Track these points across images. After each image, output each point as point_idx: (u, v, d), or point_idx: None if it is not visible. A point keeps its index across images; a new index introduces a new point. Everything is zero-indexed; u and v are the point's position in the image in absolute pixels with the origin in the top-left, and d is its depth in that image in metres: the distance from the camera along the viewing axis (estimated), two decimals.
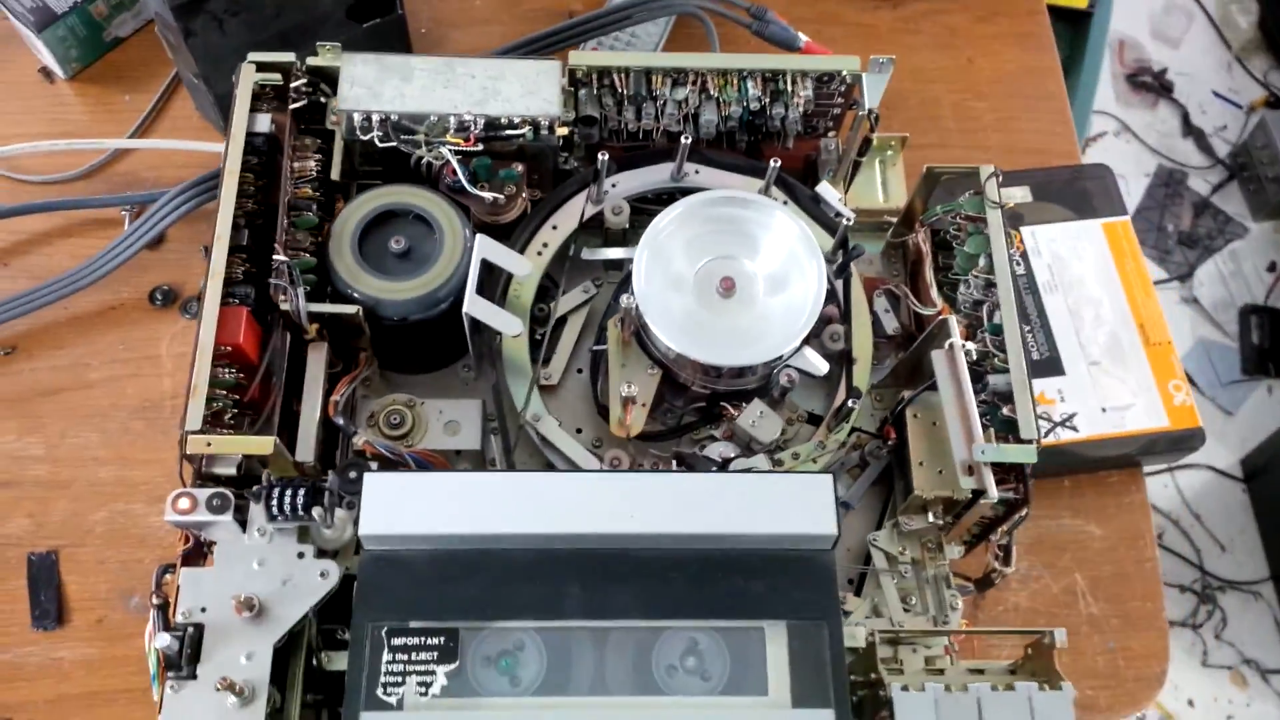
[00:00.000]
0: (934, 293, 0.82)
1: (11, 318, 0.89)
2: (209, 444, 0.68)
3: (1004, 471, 0.73)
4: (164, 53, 1.01)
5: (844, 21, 1.10)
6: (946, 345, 0.75)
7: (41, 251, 0.95)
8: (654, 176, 0.85)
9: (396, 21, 0.97)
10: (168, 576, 0.68)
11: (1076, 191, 0.99)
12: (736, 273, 0.78)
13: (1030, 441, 0.72)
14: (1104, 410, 0.90)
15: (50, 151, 0.96)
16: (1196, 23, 2.32)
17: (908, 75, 1.07)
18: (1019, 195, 0.83)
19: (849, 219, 0.80)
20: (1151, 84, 2.24)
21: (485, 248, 0.76)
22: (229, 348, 0.71)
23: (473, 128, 0.78)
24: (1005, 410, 0.73)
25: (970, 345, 0.75)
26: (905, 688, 0.65)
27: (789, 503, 0.67)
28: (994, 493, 0.70)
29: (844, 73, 0.83)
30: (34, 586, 0.83)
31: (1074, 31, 1.60)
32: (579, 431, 0.82)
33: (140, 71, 1.02)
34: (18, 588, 0.83)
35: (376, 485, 0.66)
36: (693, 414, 0.82)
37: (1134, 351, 0.92)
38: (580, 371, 0.84)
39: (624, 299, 0.75)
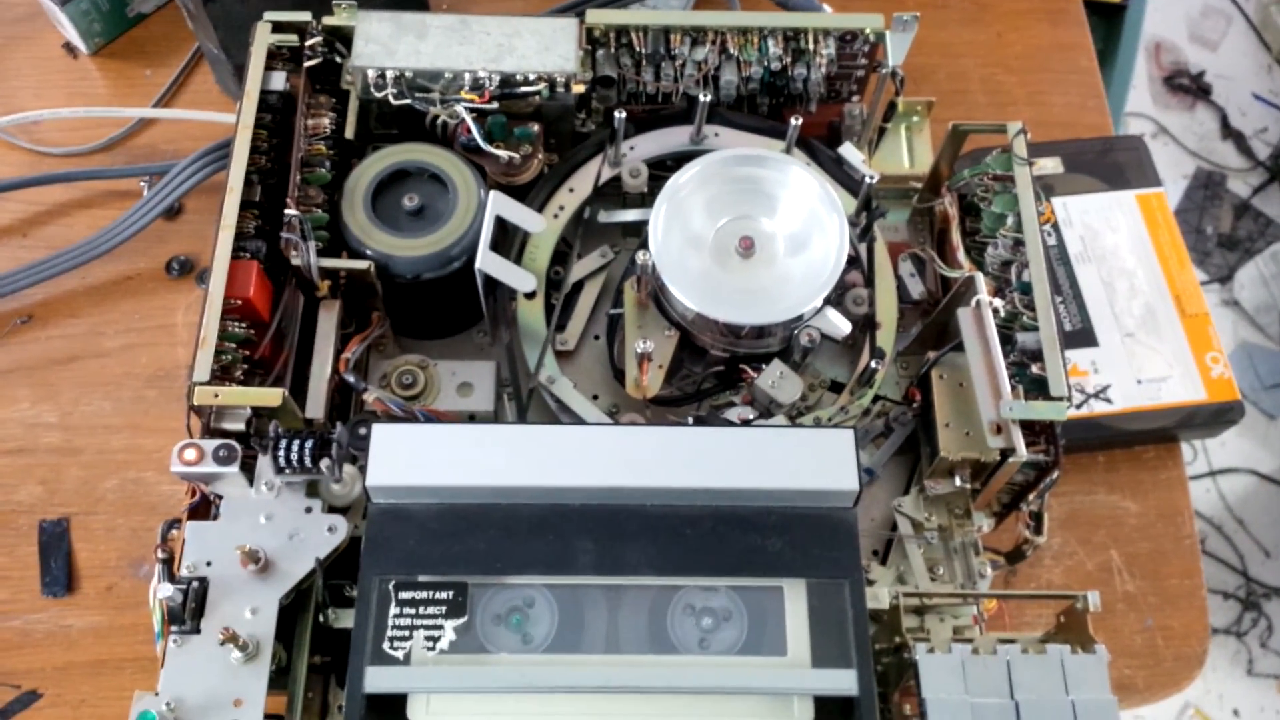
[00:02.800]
0: (961, 255, 0.80)
1: (28, 286, 0.89)
2: (216, 395, 0.66)
3: (1033, 434, 0.70)
4: (186, 28, 1.01)
5: None
6: (973, 303, 0.73)
7: (60, 222, 0.94)
8: (673, 139, 0.83)
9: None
10: (173, 532, 0.67)
11: (1109, 163, 0.97)
12: (756, 232, 0.76)
13: (1061, 399, 0.69)
14: (1139, 382, 0.87)
15: (71, 121, 0.96)
16: (1235, 25, 2.29)
17: (935, 49, 1.05)
18: (1050, 165, 0.81)
19: (872, 179, 0.78)
20: (1189, 86, 2.20)
21: (499, 204, 0.74)
22: (239, 301, 0.70)
23: (488, 84, 0.77)
24: (1034, 369, 0.71)
25: (998, 302, 0.73)
26: (931, 650, 0.63)
27: (809, 457, 0.65)
28: (1023, 451, 0.68)
29: (867, 30, 0.81)
30: (44, 553, 0.82)
31: (1108, 26, 1.58)
32: (595, 398, 0.80)
33: (162, 47, 1.02)
34: (28, 554, 0.82)
35: (385, 436, 0.64)
36: (711, 379, 0.80)
37: (1169, 323, 0.89)
38: (597, 338, 0.82)
39: (640, 256, 0.74)
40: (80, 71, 1.01)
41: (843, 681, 0.61)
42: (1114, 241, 0.93)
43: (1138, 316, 0.89)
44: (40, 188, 0.94)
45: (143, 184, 0.95)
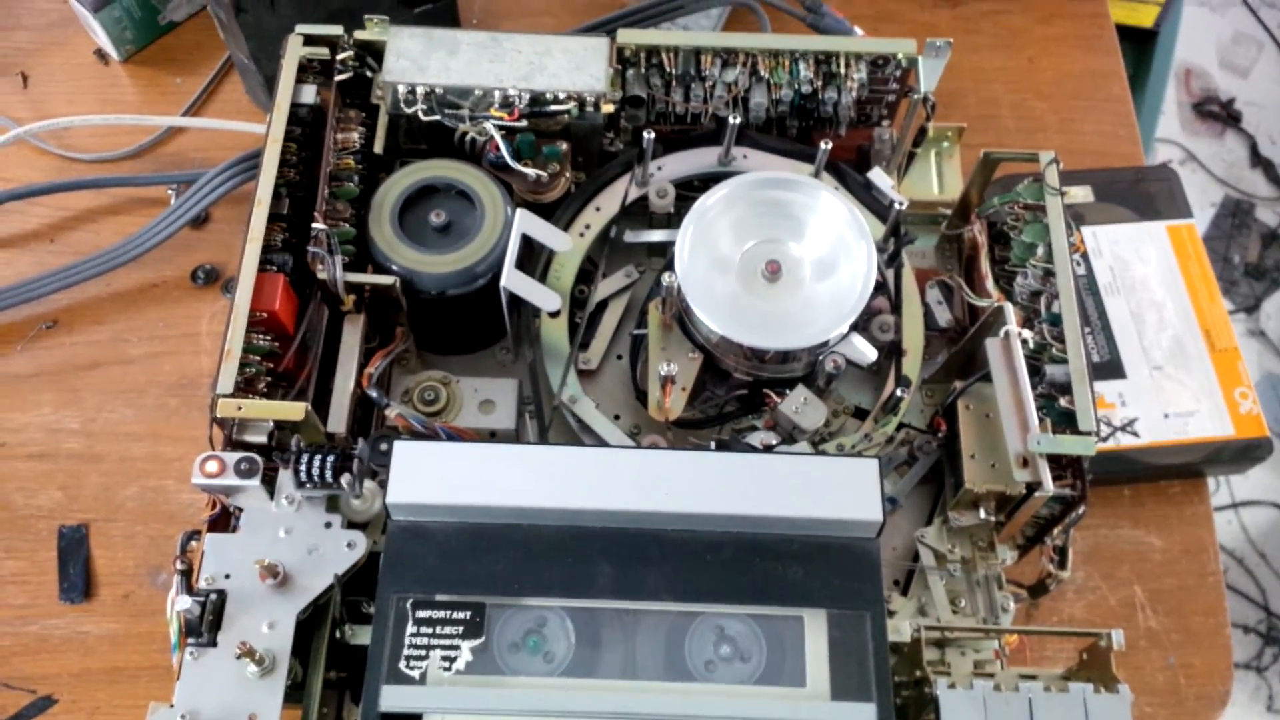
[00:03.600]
0: (990, 284, 0.79)
1: (53, 291, 0.89)
2: (239, 408, 0.66)
3: (1060, 468, 0.69)
4: (217, 37, 1.02)
5: (901, 19, 1.07)
6: (1002, 333, 0.72)
7: (88, 228, 0.95)
8: (701, 160, 0.83)
9: (448, 8, 0.97)
10: (192, 543, 0.67)
11: (1140, 193, 0.96)
12: (783, 256, 0.76)
13: (1089, 434, 0.68)
14: (1166, 416, 0.86)
15: (101, 128, 0.96)
16: (1266, 52, 2.27)
17: (966, 74, 1.04)
18: (1081, 195, 0.80)
19: (901, 204, 0.77)
20: (1219, 113, 2.19)
21: (526, 222, 0.74)
22: (264, 314, 0.70)
23: (517, 102, 0.77)
24: (1063, 402, 0.70)
25: (1027, 333, 0.72)
26: (952, 685, 0.62)
27: (832, 486, 0.64)
28: (1049, 485, 0.67)
29: (899, 56, 0.81)
30: (63, 559, 0.82)
31: (1138, 52, 1.57)
32: (616, 418, 0.79)
33: (193, 55, 1.03)
34: (47, 560, 0.82)
35: (406, 454, 0.64)
36: (734, 403, 0.79)
37: (1198, 357, 0.88)
38: (620, 358, 0.82)
39: (666, 278, 0.73)
40: (111, 78, 1.02)
41: (862, 716, 0.61)
42: (1143, 273, 0.92)
43: (1166, 349, 0.88)
44: (69, 193, 0.95)
45: (170, 192, 0.95)
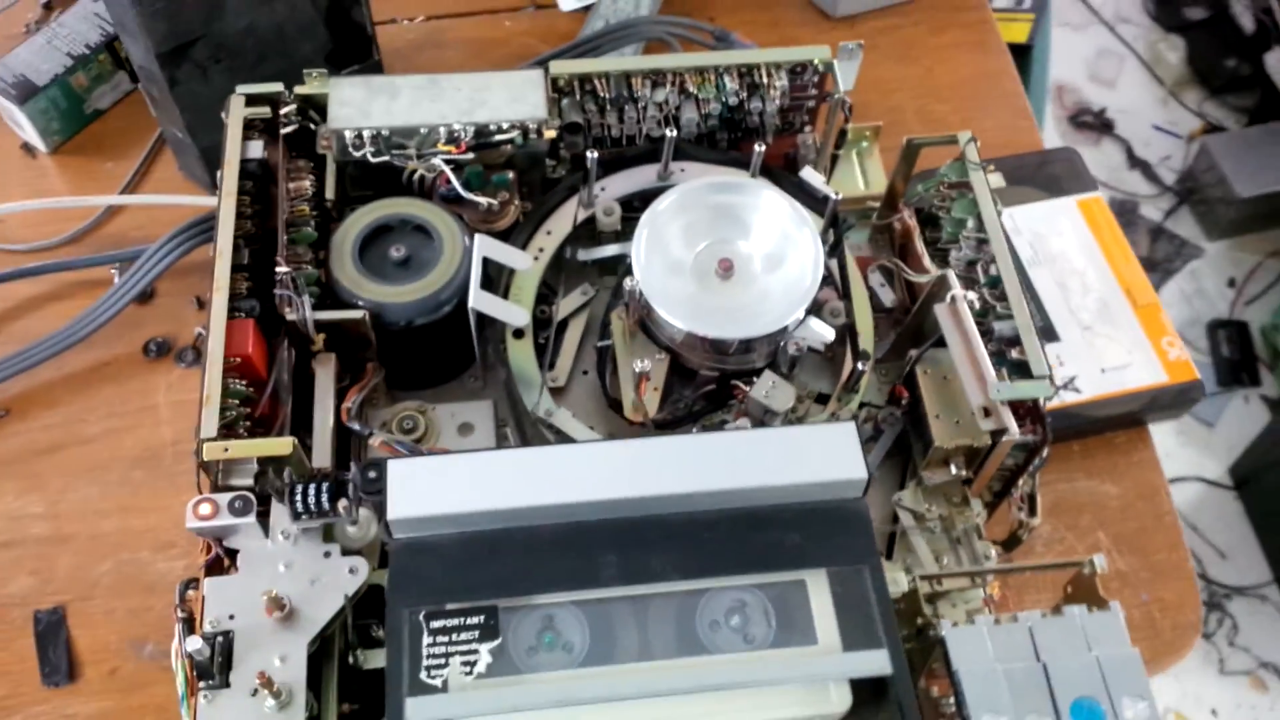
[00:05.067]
0: (927, 262, 0.83)
1: (2, 380, 0.88)
2: (226, 449, 0.67)
3: (1019, 418, 0.73)
4: (143, 121, 1.03)
5: (802, 42, 1.11)
6: (949, 297, 0.76)
7: (32, 316, 0.94)
8: (641, 178, 0.86)
9: (374, 67, 1.00)
10: (190, 592, 0.67)
11: (1046, 175, 1.02)
12: (733, 254, 0.79)
13: (1043, 377, 0.72)
14: (1103, 371, 0.91)
15: (34, 216, 0.96)
16: (1129, 63, 2.42)
17: (871, 86, 1.10)
18: (994, 181, 0.86)
19: (836, 196, 0.81)
20: (1093, 123, 2.32)
21: (485, 246, 0.76)
22: (238, 359, 0.71)
23: (463, 136, 0.80)
24: (1014, 354, 0.74)
25: (972, 295, 0.76)
26: (955, 624, 0.64)
27: (816, 452, 0.67)
28: (1014, 429, 0.71)
29: (815, 61, 0.86)
30: (42, 643, 0.80)
31: (1016, 66, 1.67)
32: (591, 429, 0.81)
33: (121, 140, 1.03)
34: (25, 647, 0.80)
35: (401, 470, 0.65)
36: (701, 402, 0.82)
37: (1124, 314, 0.94)
38: (585, 373, 0.84)
39: (627, 282, 0.76)
40: (39, 170, 1.02)
41: (876, 662, 0.63)
42: (1061, 245, 0.98)
43: (1093, 310, 0.94)
44: (7, 284, 0.94)
45: (113, 271, 0.95)
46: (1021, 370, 0.73)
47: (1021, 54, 1.67)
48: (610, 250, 0.84)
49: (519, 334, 0.80)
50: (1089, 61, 2.42)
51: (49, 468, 0.87)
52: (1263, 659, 1.76)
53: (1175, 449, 1.92)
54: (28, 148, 1.03)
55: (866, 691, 0.64)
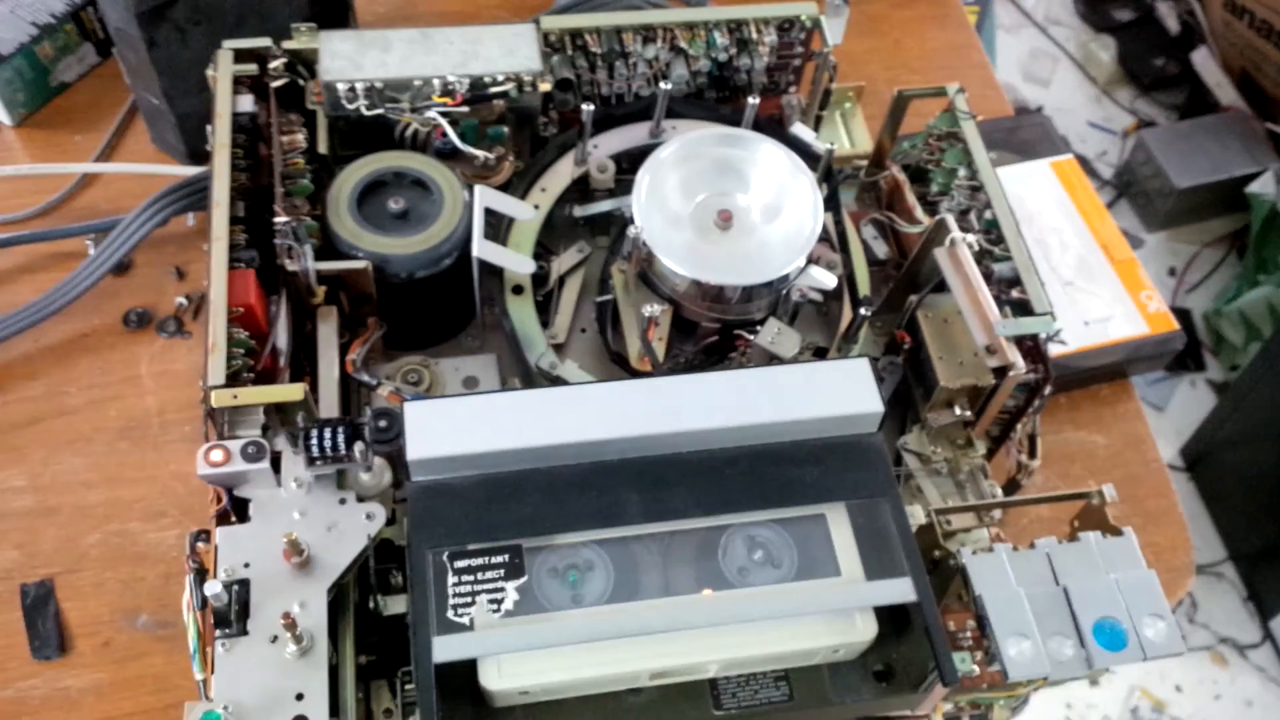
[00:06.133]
0: (919, 213, 0.85)
1: None
2: (235, 396, 0.65)
3: (1021, 354, 0.74)
4: (112, 95, 1.01)
5: None
6: (948, 241, 0.77)
7: (5, 289, 0.91)
8: (633, 135, 0.86)
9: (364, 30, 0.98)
10: (200, 544, 0.65)
11: (1019, 139, 1.04)
12: (732, 206, 0.80)
13: (1045, 313, 0.73)
14: (1086, 324, 0.93)
15: (6, 185, 0.94)
16: (1061, 64, 2.49)
17: (843, 59, 1.10)
18: None
19: (830, 147, 0.82)
20: None
21: (487, 196, 0.76)
22: (240, 309, 0.69)
23: (458, 88, 0.79)
24: (1014, 294, 0.75)
25: (970, 237, 0.77)
26: (975, 552, 0.65)
27: (831, 387, 0.68)
28: (1020, 363, 0.72)
29: (803, 17, 0.87)
30: (30, 616, 0.78)
31: None
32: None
33: (89, 113, 1.01)
34: (12, 621, 0.77)
35: (419, 411, 0.64)
36: (702, 356, 0.82)
37: (1102, 269, 0.96)
38: (584, 331, 0.84)
39: (630, 230, 0.76)
40: (4, 144, 0.99)
41: (900, 589, 0.63)
42: (1038, 205, 1.00)
43: (1073, 266, 0.96)
44: None
45: (88, 242, 0.92)
46: (1022, 309, 0.75)
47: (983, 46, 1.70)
48: (606, 205, 0.84)
49: (518, 290, 0.80)
50: (1023, 62, 2.48)
51: (29, 440, 0.84)
52: (1221, 634, 1.80)
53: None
54: None
55: (891, 620, 0.64)
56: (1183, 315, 2.12)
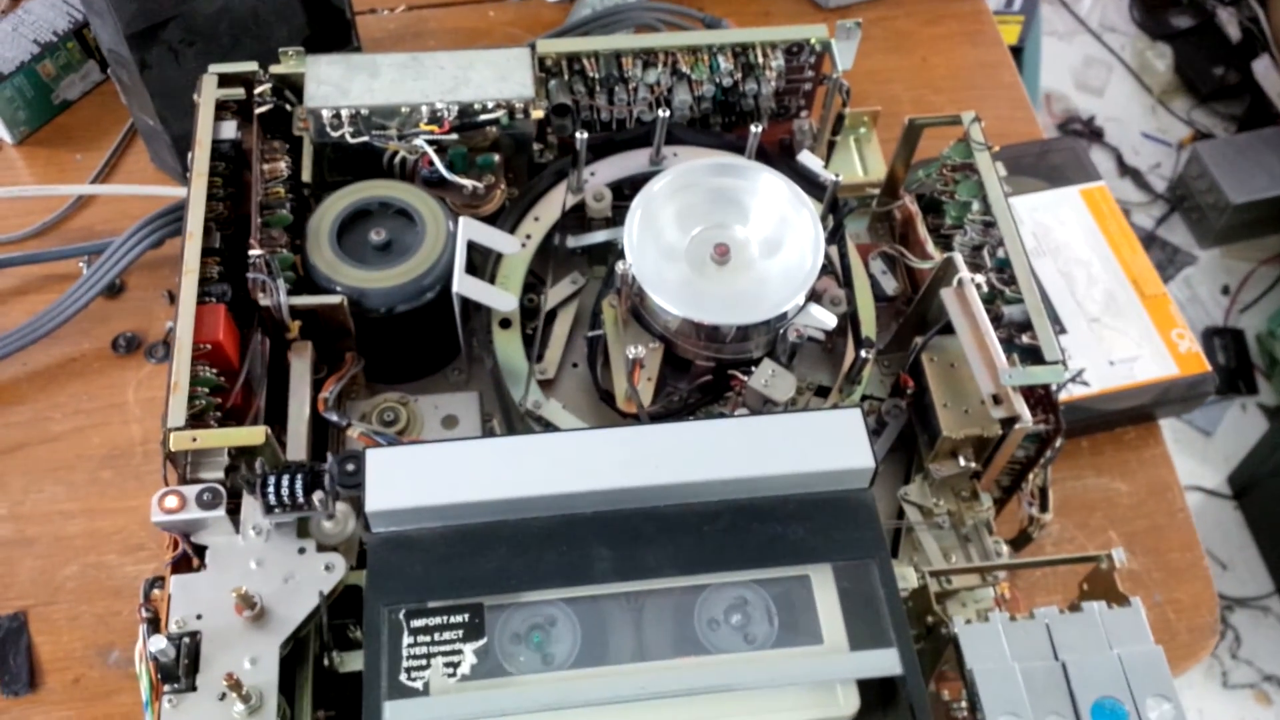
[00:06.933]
0: (930, 247, 0.80)
1: None
2: (194, 439, 0.63)
3: (1030, 405, 0.70)
4: (113, 113, 1.00)
5: None
6: (955, 281, 0.73)
7: None
8: (632, 163, 0.83)
9: (353, 54, 0.96)
10: (155, 591, 0.63)
11: (1048, 164, 0.99)
12: (729, 239, 0.76)
13: (1056, 362, 0.69)
14: (1112, 364, 0.88)
15: (3, 205, 0.92)
16: (1116, 72, 2.41)
17: (865, 77, 1.07)
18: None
19: (836, 178, 0.78)
20: (1083, 131, 2.30)
21: (470, 229, 0.73)
22: (208, 346, 0.67)
23: (446, 115, 0.76)
24: (1024, 339, 0.71)
25: (980, 278, 0.73)
26: (969, 621, 0.61)
27: (819, 439, 0.64)
28: (1027, 416, 0.67)
29: (813, 41, 0.83)
30: (1, 650, 0.76)
31: None
32: (581, 423, 0.77)
33: (91, 131, 1.00)
34: None
35: (380, 460, 0.61)
36: (696, 394, 0.78)
37: (1131, 305, 0.91)
38: (575, 366, 0.81)
39: (619, 266, 0.73)
40: (5, 162, 0.98)
41: (885, 661, 0.59)
42: (1065, 235, 0.95)
43: (1100, 302, 0.91)
44: None
45: (82, 264, 0.91)
46: (1033, 356, 0.70)
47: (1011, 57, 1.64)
48: (601, 236, 0.81)
49: (505, 324, 0.77)
50: (1076, 70, 2.40)
51: (11, 467, 0.83)
52: (1266, 672, 1.72)
53: (1173, 458, 1.89)
54: None
55: (875, 693, 0.61)
56: (1235, 336, 2.04)
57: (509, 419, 0.74)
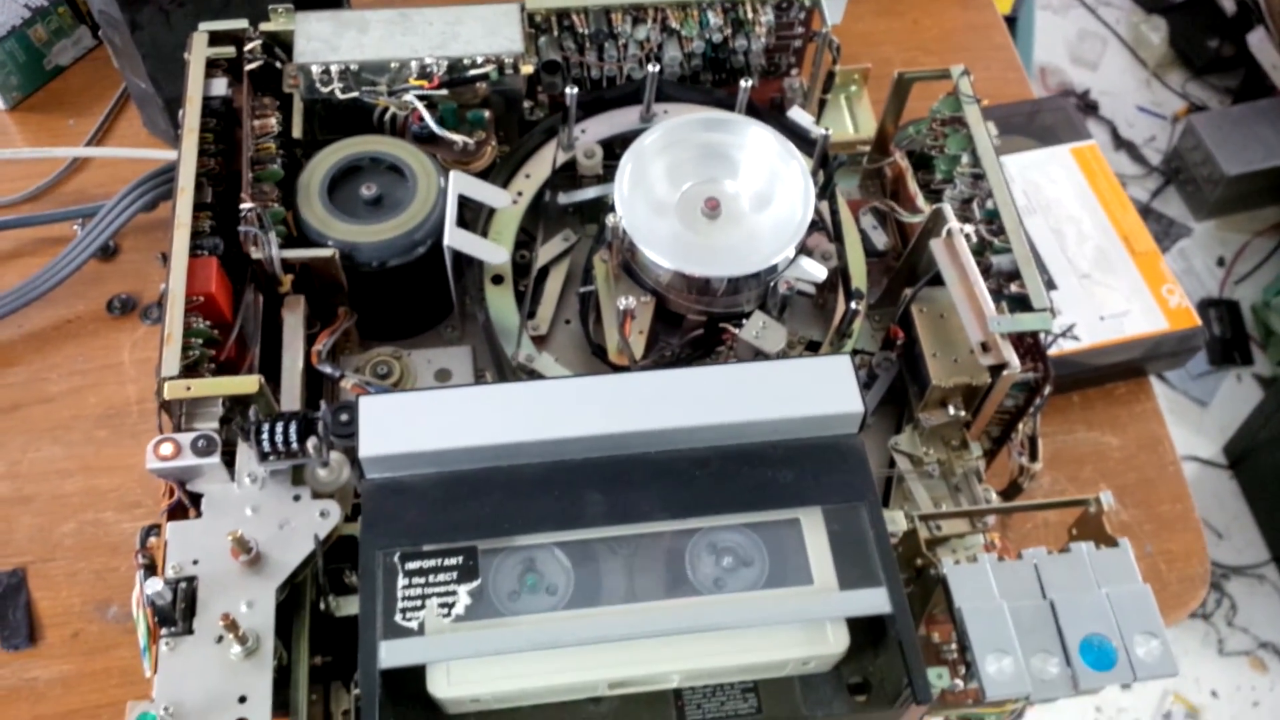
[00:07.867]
0: (920, 201, 0.81)
1: None
2: (189, 388, 0.63)
3: (1020, 355, 0.70)
4: (106, 78, 1.00)
5: None
6: (944, 231, 0.73)
7: None
8: (623, 120, 0.83)
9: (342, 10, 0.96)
10: (152, 538, 0.63)
11: (1039, 124, 1.00)
12: (719, 193, 0.76)
13: (1044, 309, 0.69)
14: (1102, 319, 0.88)
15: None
16: (1111, 45, 2.41)
17: (857, 39, 1.07)
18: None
19: (826, 133, 0.78)
20: (1077, 104, 2.30)
21: (461, 183, 0.73)
22: (200, 298, 0.67)
23: (436, 70, 0.76)
24: (1013, 288, 0.71)
25: (969, 228, 0.73)
26: (957, 562, 0.61)
27: (809, 385, 0.64)
28: (1015, 363, 0.68)
29: None
30: (1, 605, 0.77)
31: None
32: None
33: (83, 97, 1.00)
34: None
35: (374, 407, 0.62)
36: (688, 349, 0.79)
37: (1121, 261, 0.91)
38: (568, 322, 0.81)
39: (610, 219, 0.73)
40: None
41: (874, 600, 0.59)
42: (1056, 193, 0.95)
43: (1090, 258, 0.91)
44: None
45: (76, 227, 0.91)
46: (1021, 304, 0.71)
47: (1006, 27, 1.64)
48: (592, 193, 0.81)
49: (498, 279, 0.77)
50: (1071, 43, 2.40)
51: (8, 427, 0.83)
52: (1262, 639, 1.73)
53: (1169, 428, 1.90)
54: None
55: (865, 633, 0.61)
56: (1230, 307, 2.04)
57: (502, 373, 0.74)
